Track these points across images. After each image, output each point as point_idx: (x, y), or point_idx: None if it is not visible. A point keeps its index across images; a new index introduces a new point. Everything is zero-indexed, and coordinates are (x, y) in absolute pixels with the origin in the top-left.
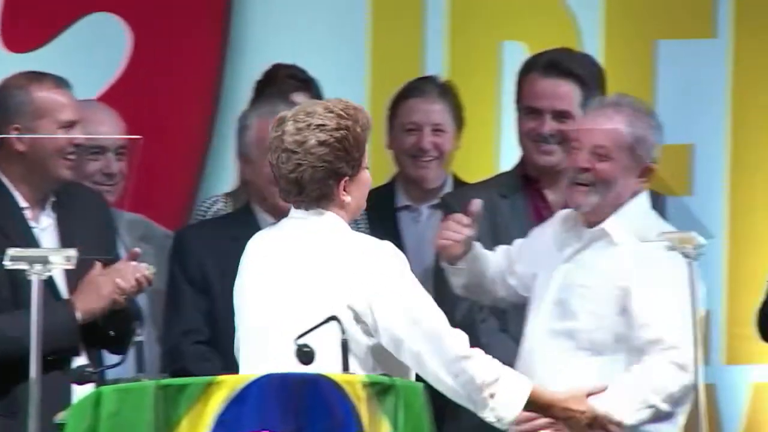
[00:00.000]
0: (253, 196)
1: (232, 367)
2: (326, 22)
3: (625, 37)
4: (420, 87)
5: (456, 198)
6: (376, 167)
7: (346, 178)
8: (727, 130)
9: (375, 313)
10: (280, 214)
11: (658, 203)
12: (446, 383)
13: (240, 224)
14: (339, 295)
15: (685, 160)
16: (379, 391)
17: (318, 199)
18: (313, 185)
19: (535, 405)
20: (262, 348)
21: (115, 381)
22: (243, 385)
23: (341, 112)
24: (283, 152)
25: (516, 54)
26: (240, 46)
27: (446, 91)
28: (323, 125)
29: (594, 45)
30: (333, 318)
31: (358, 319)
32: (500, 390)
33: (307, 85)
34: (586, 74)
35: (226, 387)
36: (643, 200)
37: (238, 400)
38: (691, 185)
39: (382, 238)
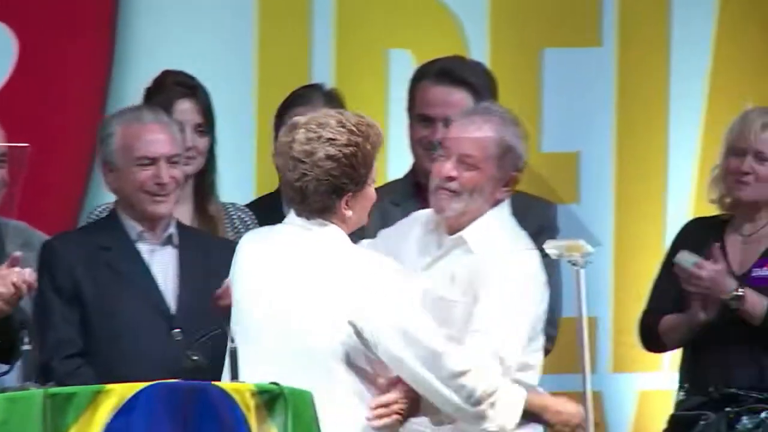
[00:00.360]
0: (120, 204)
1: (107, 375)
2: (213, 29)
3: (511, 45)
4: (306, 95)
5: None
6: (264, 176)
7: (350, 193)
8: (613, 138)
9: (374, 332)
10: (148, 222)
11: (551, 212)
12: (447, 399)
13: (107, 232)
14: (340, 310)
15: (572, 167)
16: (268, 399)
17: (320, 211)
18: (316, 197)
19: (529, 410)
20: (261, 351)
21: (2, 390)
22: (132, 394)
23: (353, 128)
24: (290, 159)
25: (402, 62)
26: (127, 54)
27: (332, 99)
28: (333, 139)
29: (480, 53)
30: (219, 329)
31: (359, 334)
32: (499, 400)
33: (194, 91)
34: (478, 82)
35: (114, 396)
36: (503, 209)
37: (127, 409)
38: (578, 193)
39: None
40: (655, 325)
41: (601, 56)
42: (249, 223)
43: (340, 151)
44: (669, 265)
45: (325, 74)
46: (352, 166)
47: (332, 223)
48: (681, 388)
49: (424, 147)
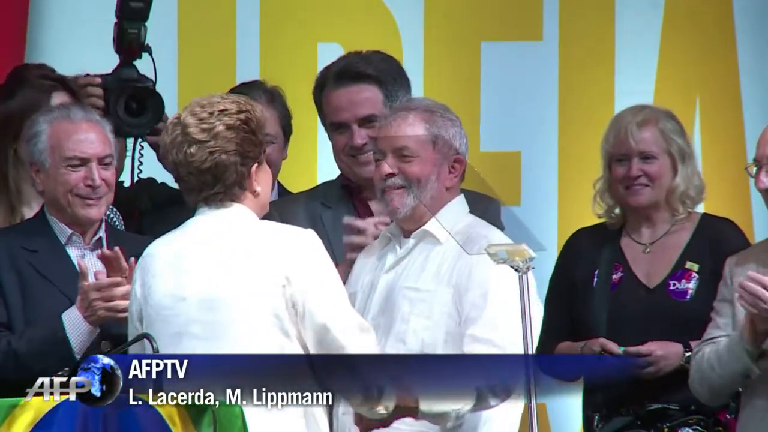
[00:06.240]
0: (49, 207)
1: None
2: None
3: (447, 38)
4: (247, 94)
5: (279, 208)
6: None
7: (256, 164)
8: (556, 137)
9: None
10: (78, 226)
11: (495, 208)
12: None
13: (35, 235)
14: (268, 282)
15: (513, 168)
16: (195, 412)
17: (233, 186)
18: (230, 171)
19: None
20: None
21: None
22: (49, 409)
23: (237, 100)
24: (190, 146)
25: (333, 56)
26: (41, 48)
27: (275, 98)
28: (226, 110)
29: (415, 46)
30: (144, 337)
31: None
32: None
33: (63, 82)
34: (380, 73)
35: (31, 410)
36: (461, 201)
37: (45, 424)
38: (519, 195)
39: None
40: (550, 353)
41: (543, 51)
42: (116, 222)
43: (237, 118)
44: (559, 279)
45: (251, 69)
46: (251, 131)
47: (242, 204)
48: (593, 409)
49: (347, 154)
